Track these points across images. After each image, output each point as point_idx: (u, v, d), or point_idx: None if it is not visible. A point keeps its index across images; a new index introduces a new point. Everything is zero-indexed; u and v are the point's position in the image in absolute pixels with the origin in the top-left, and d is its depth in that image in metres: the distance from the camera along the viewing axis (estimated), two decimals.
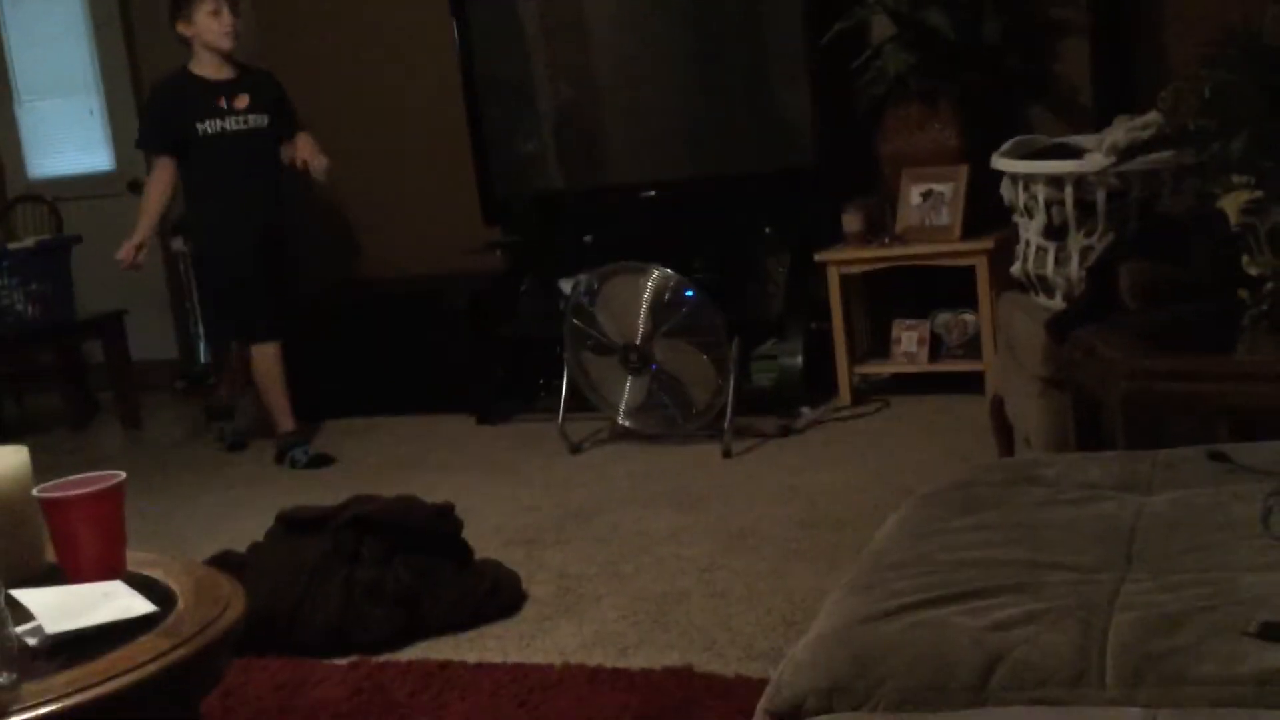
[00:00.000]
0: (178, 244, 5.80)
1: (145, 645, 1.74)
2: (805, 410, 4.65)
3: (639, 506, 3.87)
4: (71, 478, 2.01)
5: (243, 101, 4.85)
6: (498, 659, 2.88)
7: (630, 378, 4.49)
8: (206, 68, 4.85)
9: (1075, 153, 3.31)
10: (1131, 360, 2.53)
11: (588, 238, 5.13)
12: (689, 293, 4.35)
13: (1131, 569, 1.62)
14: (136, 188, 6.52)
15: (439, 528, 3.20)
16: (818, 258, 4.73)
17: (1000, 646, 1.44)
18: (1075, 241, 3.22)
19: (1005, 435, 3.48)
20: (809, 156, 4.83)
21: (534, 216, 5.31)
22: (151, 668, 1.68)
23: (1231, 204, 2.49)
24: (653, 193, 5.07)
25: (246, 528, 3.62)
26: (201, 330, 6.23)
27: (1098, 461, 2.08)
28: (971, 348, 4.68)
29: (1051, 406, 3.00)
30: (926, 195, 4.65)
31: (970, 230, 4.56)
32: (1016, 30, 4.61)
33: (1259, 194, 2.46)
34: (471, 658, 2.89)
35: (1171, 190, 3.14)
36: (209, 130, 4.80)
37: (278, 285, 4.96)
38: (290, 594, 3.00)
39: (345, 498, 3.31)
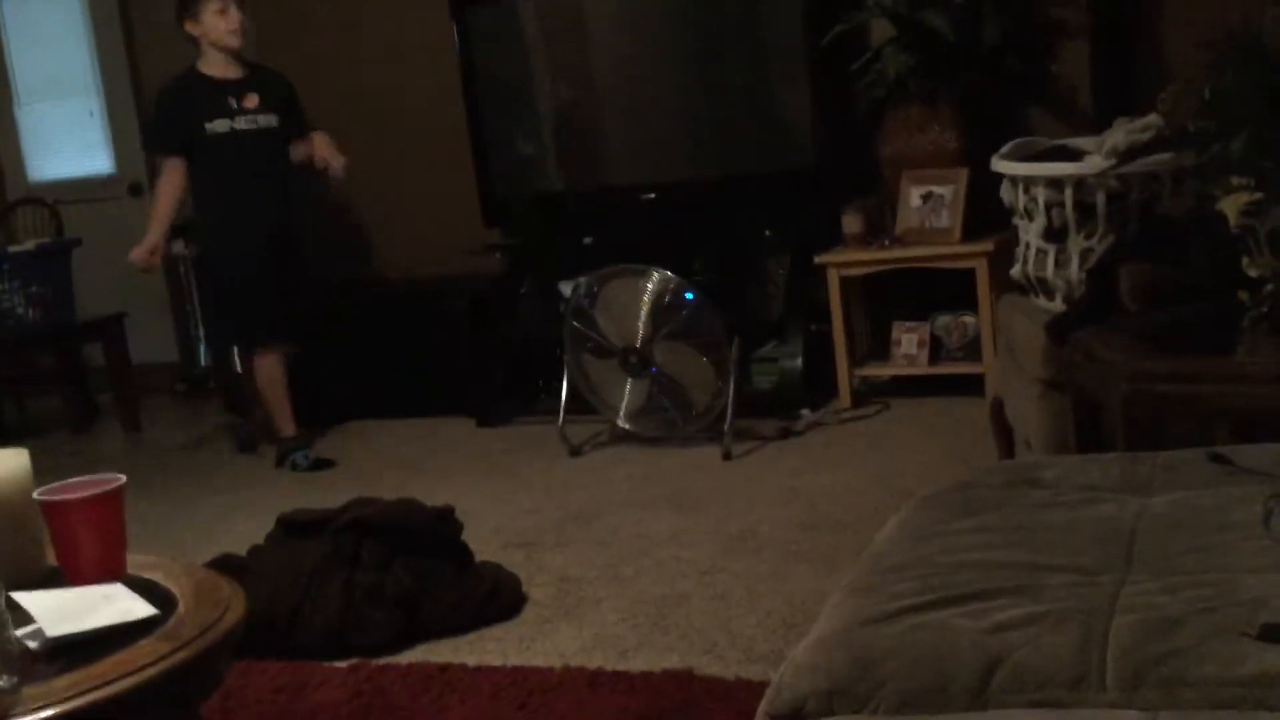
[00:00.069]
0: (178, 247, 5.80)
1: (146, 648, 1.74)
2: (805, 412, 4.65)
3: (639, 509, 3.87)
4: (72, 480, 2.01)
5: (252, 101, 4.82)
6: (498, 662, 2.88)
7: (630, 380, 4.49)
8: (215, 67, 4.82)
9: (1075, 155, 3.31)
10: (1132, 362, 2.53)
11: (588, 240, 5.13)
12: (689, 295, 4.36)
13: (1132, 571, 1.62)
14: (137, 190, 6.55)
15: (439, 530, 3.20)
16: (818, 260, 4.73)
17: (1000, 649, 1.44)
18: (1075, 243, 3.22)
19: (1005, 437, 3.48)
20: (809, 158, 4.84)
21: (534, 218, 5.31)
22: (152, 671, 1.68)
23: (1231, 206, 2.48)
24: (653, 195, 5.08)
25: (246, 531, 3.62)
26: (202, 333, 6.24)
27: (1098, 463, 2.08)
28: (971, 350, 4.68)
29: (1052, 409, 3.00)
30: (926, 197, 4.65)
31: (970, 232, 4.56)
32: (1016, 32, 4.61)
33: (1259, 196, 2.45)
34: (471, 660, 2.89)
35: (1171, 192, 3.14)
36: (218, 130, 4.77)
37: (285, 288, 4.89)
38: (290, 597, 3.00)
39: (345, 501, 3.31)
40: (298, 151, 4.96)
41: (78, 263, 5.83)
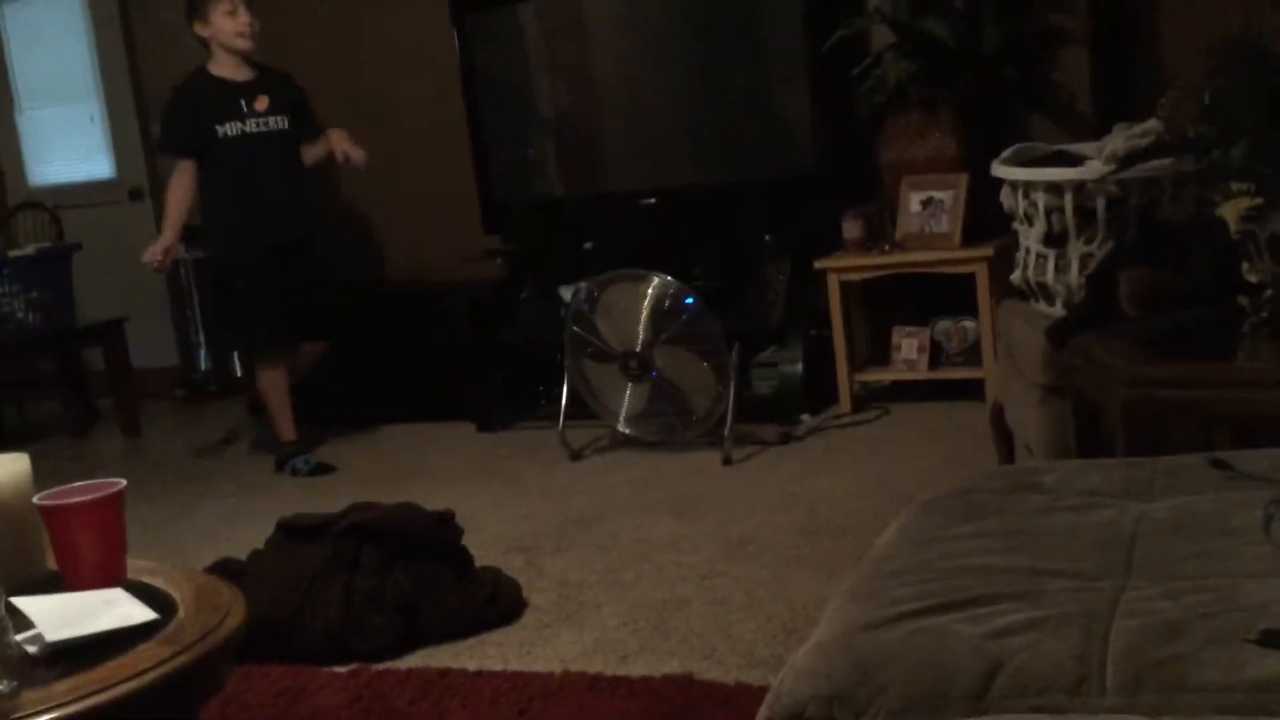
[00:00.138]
0: (180, 251, 5.79)
1: (146, 653, 1.74)
2: (805, 417, 4.65)
3: (639, 514, 3.87)
4: (72, 485, 2.01)
5: (263, 103, 4.81)
6: (498, 667, 2.88)
7: (630, 385, 4.49)
8: (225, 69, 4.82)
9: (1075, 160, 3.31)
10: (1132, 367, 2.53)
11: (588, 244, 5.14)
12: (689, 300, 4.36)
13: (1132, 576, 1.62)
14: (137, 195, 6.56)
15: (439, 535, 3.20)
16: (818, 265, 4.73)
17: (1001, 654, 1.44)
18: (1075, 249, 3.22)
19: (1005, 442, 3.48)
20: (809, 164, 4.84)
21: (534, 223, 5.31)
22: (152, 675, 1.68)
23: (1231, 211, 2.48)
24: (653, 200, 5.08)
25: (247, 535, 3.62)
26: (202, 338, 6.24)
27: (1098, 468, 2.08)
28: (971, 355, 4.68)
29: (1052, 414, 3.00)
30: (926, 203, 4.66)
31: (970, 238, 4.56)
32: (1016, 38, 4.62)
33: (1259, 201, 2.45)
34: (471, 665, 2.89)
35: (1171, 197, 3.13)
36: (229, 133, 4.76)
37: (290, 291, 4.84)
38: (290, 601, 3.00)
39: (345, 505, 3.31)
40: (312, 153, 4.96)
41: (78, 267, 5.83)
